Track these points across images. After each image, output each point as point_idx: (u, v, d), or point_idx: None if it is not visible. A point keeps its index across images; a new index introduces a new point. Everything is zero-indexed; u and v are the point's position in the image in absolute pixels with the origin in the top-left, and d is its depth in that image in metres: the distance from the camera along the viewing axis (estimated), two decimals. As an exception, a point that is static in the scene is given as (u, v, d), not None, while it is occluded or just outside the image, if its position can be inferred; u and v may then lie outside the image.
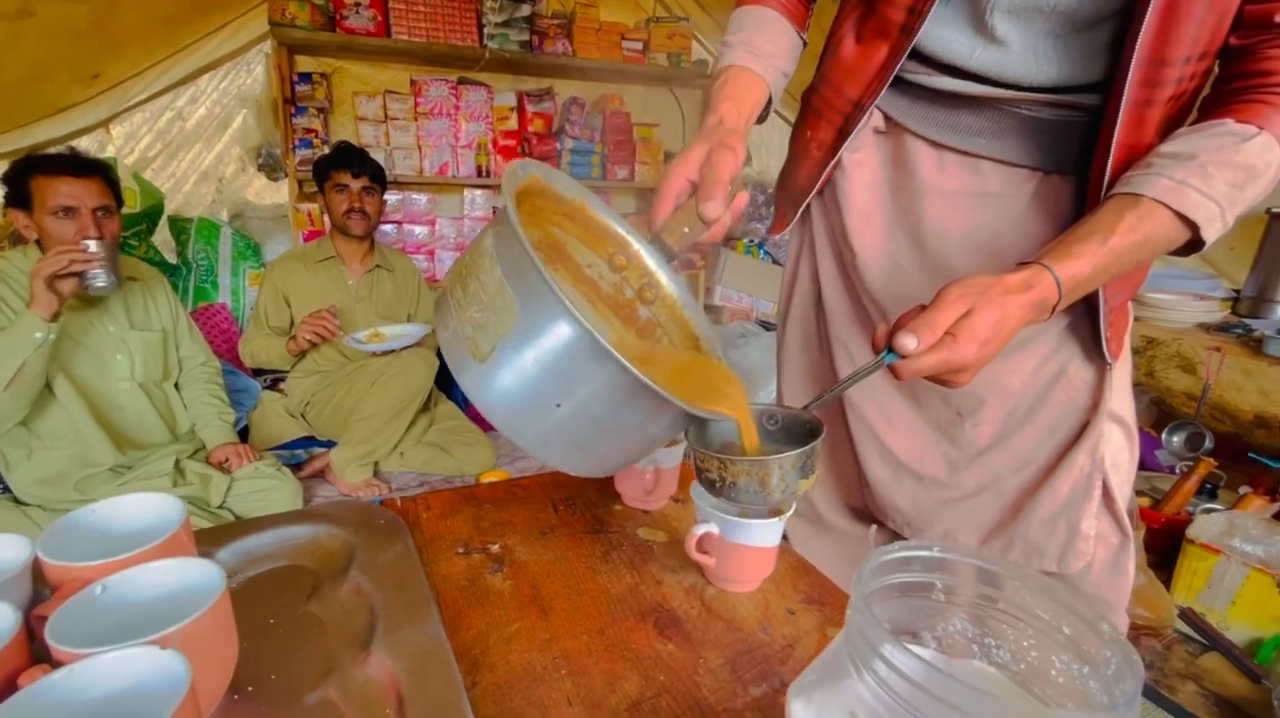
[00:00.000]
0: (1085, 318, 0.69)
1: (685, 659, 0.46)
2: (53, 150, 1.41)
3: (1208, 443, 1.66)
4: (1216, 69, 0.59)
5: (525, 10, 2.33)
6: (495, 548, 0.59)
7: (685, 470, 0.68)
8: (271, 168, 2.32)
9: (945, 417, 0.78)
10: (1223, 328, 1.68)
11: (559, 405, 0.39)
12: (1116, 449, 0.77)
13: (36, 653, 0.35)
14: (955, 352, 0.47)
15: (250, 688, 0.41)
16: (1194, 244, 0.54)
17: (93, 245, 1.28)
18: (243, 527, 0.58)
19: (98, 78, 1.93)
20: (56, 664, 0.33)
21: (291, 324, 1.85)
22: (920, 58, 0.65)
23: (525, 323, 0.38)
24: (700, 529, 0.52)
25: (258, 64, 2.27)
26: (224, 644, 0.39)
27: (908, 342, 0.46)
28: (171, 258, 2.23)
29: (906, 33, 0.63)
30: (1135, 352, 2.57)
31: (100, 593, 0.39)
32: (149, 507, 0.47)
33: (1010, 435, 0.76)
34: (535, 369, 0.39)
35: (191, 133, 2.24)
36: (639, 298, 0.57)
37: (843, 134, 0.71)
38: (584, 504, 0.67)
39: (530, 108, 2.49)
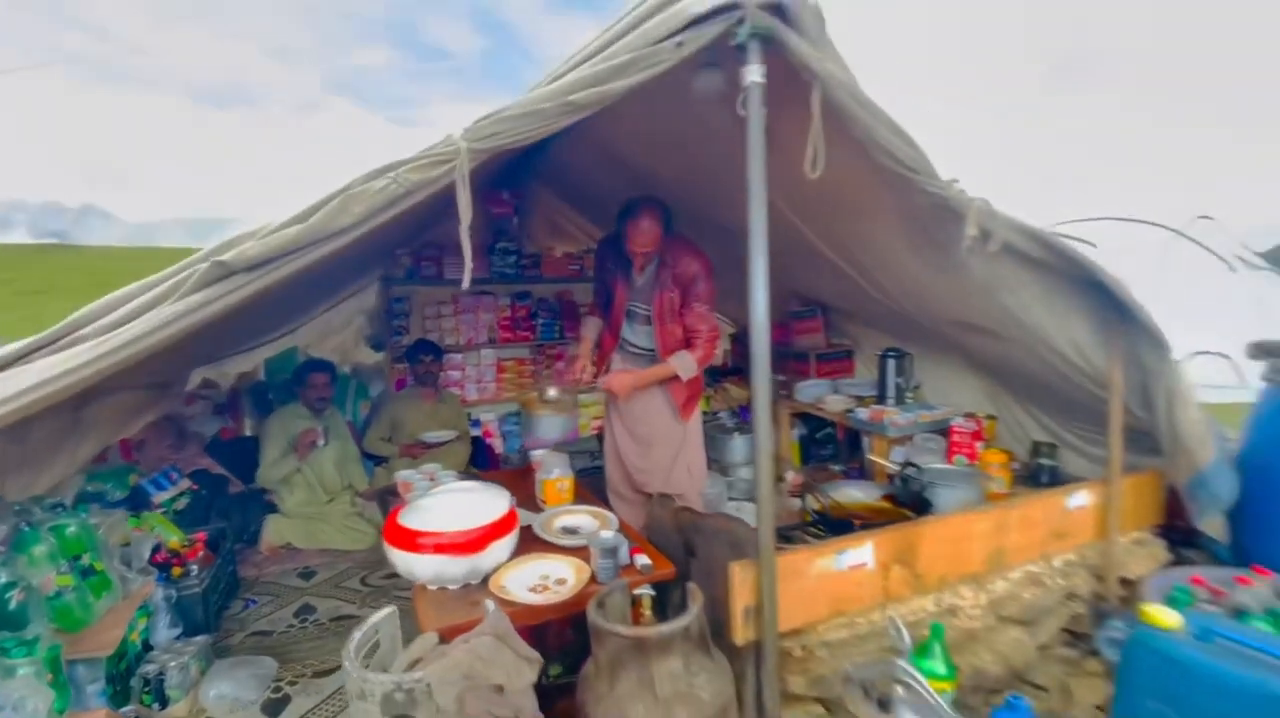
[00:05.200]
0: (670, 405, 2.54)
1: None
2: (317, 356, 3.30)
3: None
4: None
5: (513, 256, 4.34)
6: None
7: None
8: (375, 345, 4.24)
9: (643, 442, 2.61)
10: None
11: None
12: (690, 455, 2.61)
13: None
14: (608, 384, 2.40)
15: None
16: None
17: (320, 429, 3.13)
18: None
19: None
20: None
21: (393, 430, 3.65)
22: (626, 339, 2.58)
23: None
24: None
25: (372, 291, 4.24)
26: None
27: (599, 381, 2.36)
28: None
29: (618, 333, 2.56)
30: None
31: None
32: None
33: (659, 448, 2.60)
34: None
35: (336, 327, 4.18)
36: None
37: (605, 359, 2.62)
38: (593, 484, 2.47)
39: (517, 303, 4.45)
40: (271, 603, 2.76)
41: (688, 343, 2.47)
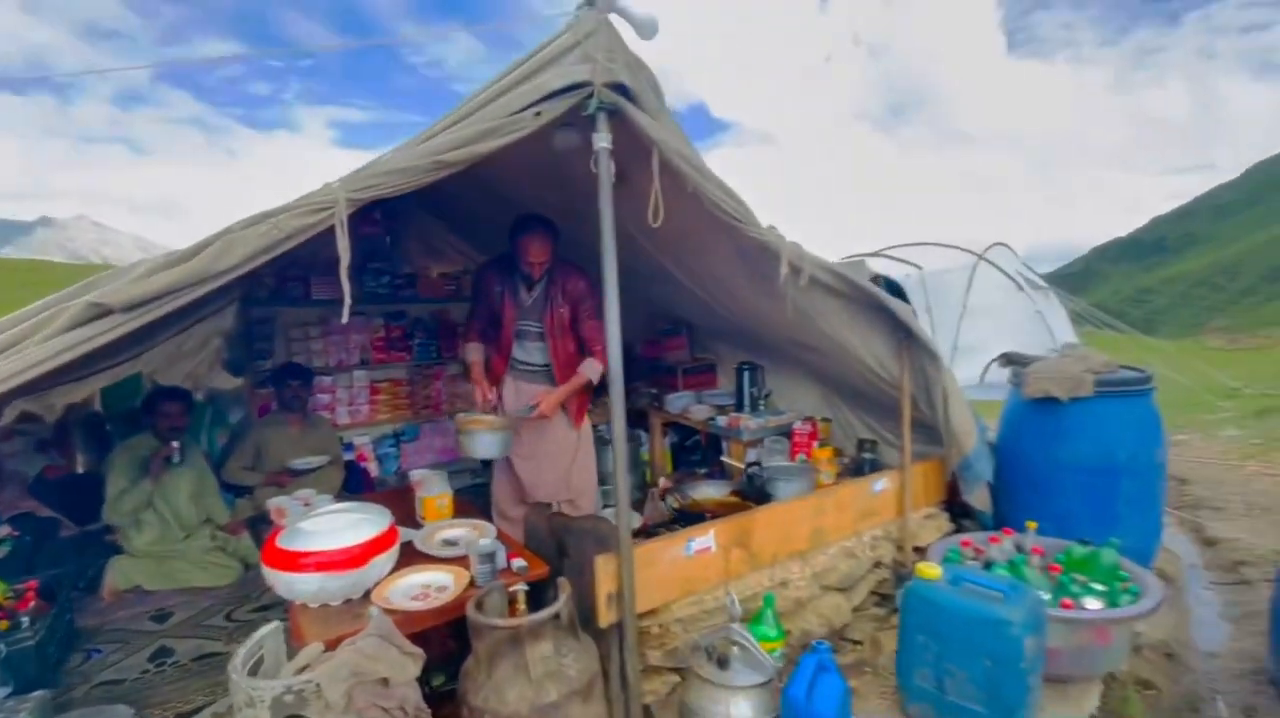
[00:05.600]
0: (565, 414, 2.73)
1: (419, 512, 2.35)
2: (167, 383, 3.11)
3: (706, 472, 3.79)
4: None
5: (386, 276, 4.31)
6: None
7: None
8: (235, 369, 4.02)
9: (540, 455, 2.77)
10: None
11: None
12: (584, 457, 2.81)
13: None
14: (542, 411, 2.52)
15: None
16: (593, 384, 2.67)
17: (175, 443, 2.98)
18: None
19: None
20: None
21: (258, 459, 3.51)
22: (517, 358, 2.73)
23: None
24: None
25: (230, 312, 4.02)
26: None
27: (531, 413, 2.49)
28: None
29: (507, 354, 2.70)
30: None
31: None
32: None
33: (556, 457, 2.77)
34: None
35: (189, 351, 3.91)
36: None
37: (496, 381, 2.75)
38: (476, 501, 2.54)
39: (391, 324, 4.42)
40: (120, 651, 2.58)
41: (591, 353, 2.68)
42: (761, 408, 3.79)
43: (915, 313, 7.86)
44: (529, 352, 2.74)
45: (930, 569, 1.90)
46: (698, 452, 4.70)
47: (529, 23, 1.66)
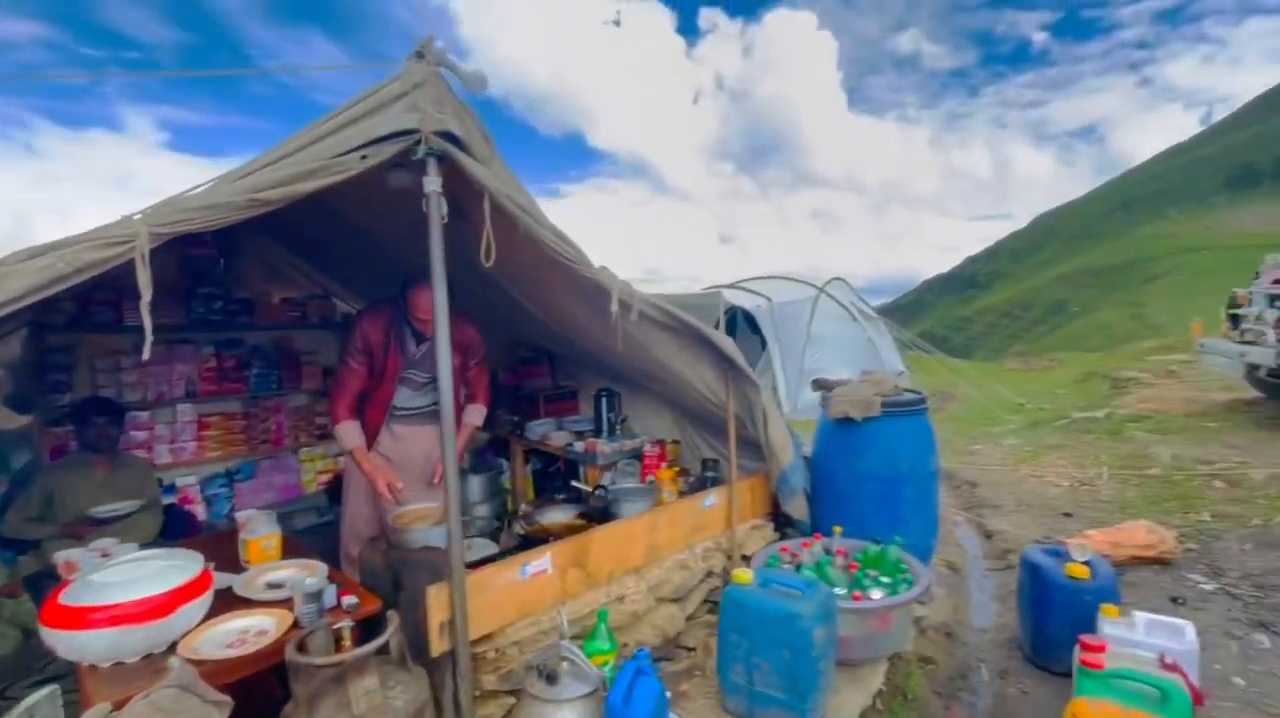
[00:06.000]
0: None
1: (243, 555, 2.21)
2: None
3: (564, 497, 3.88)
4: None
5: (219, 301, 4.00)
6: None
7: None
8: (20, 405, 3.50)
9: (418, 495, 2.66)
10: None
11: None
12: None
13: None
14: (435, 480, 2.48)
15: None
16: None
17: None
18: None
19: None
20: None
21: (48, 508, 3.08)
22: (396, 406, 2.66)
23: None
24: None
25: (14, 339, 3.51)
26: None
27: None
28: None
29: (386, 403, 2.63)
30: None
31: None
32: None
33: (424, 498, 2.68)
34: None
35: (-45, 389, 3.35)
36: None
37: (373, 431, 2.64)
38: (320, 542, 2.38)
39: (224, 352, 4.09)
40: None
41: (470, 397, 2.75)
42: (618, 433, 3.96)
43: (764, 342, 8.55)
44: (410, 397, 2.71)
45: (743, 575, 2.13)
46: (559, 478, 4.78)
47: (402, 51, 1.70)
